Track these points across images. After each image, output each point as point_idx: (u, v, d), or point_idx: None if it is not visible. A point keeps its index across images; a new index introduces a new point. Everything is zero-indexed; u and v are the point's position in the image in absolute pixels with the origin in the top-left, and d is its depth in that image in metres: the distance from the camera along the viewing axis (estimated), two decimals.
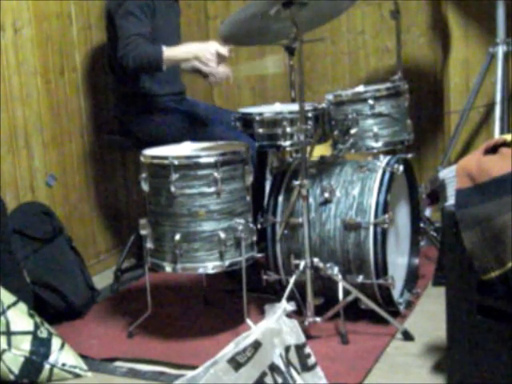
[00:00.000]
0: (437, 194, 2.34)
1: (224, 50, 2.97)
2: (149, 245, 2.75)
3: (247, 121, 3.00)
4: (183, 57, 3.07)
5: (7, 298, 2.56)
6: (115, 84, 3.34)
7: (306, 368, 2.11)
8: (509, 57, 3.54)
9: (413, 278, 3.08)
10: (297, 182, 2.72)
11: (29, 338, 2.52)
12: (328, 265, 2.73)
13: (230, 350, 2.01)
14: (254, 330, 2.02)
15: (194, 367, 2.18)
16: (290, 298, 2.58)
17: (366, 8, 4.10)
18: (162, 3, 3.27)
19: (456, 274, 2.14)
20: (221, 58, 2.99)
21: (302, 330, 2.12)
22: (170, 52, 3.02)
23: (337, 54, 4.25)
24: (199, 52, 2.98)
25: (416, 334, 2.67)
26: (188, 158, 2.67)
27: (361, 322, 2.80)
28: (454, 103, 3.82)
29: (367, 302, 2.71)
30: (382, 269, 2.73)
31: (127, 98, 3.25)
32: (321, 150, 3.22)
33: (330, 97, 3.06)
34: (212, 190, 2.65)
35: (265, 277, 2.90)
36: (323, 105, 3.04)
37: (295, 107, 2.82)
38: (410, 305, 2.93)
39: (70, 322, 2.99)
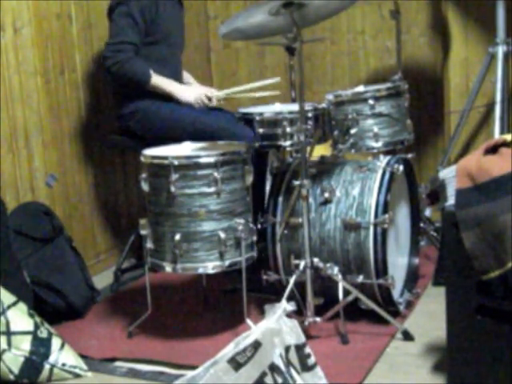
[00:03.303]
0: (437, 194, 2.34)
1: (211, 96, 3.20)
2: (149, 245, 2.75)
3: (247, 121, 3.00)
4: (167, 92, 3.21)
5: (7, 298, 2.56)
6: (116, 83, 3.35)
7: (306, 368, 2.11)
8: (509, 57, 3.54)
9: (413, 277, 3.08)
10: (297, 182, 2.72)
11: (29, 338, 2.52)
12: (328, 265, 2.73)
13: (229, 350, 2.01)
14: (254, 330, 2.02)
15: (194, 367, 2.17)
16: (289, 298, 2.58)
17: (366, 8, 4.10)
18: (166, 2, 3.28)
19: (456, 274, 2.14)
20: (209, 101, 3.21)
21: (302, 330, 2.13)
22: (157, 81, 3.18)
23: (337, 54, 4.25)
24: (183, 97, 3.19)
25: (416, 334, 2.67)
26: (188, 157, 2.67)
27: (361, 322, 2.80)
28: (454, 103, 3.82)
29: (367, 302, 2.71)
30: (382, 269, 2.73)
31: (128, 98, 3.25)
32: (321, 150, 3.23)
33: (330, 97, 3.06)
34: (212, 190, 2.65)
35: (265, 277, 2.90)
36: (323, 105, 3.04)
37: (295, 107, 2.82)
38: (410, 305, 2.93)
39: (69, 321, 2.99)
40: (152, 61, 3.23)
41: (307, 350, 2.11)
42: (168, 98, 3.22)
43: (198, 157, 2.67)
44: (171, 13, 3.33)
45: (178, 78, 3.40)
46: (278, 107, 3.16)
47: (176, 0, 3.41)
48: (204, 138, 2.97)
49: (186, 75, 3.56)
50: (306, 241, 2.70)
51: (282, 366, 2.03)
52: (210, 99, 3.21)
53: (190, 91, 3.24)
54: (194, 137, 2.98)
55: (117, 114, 3.35)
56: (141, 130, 3.25)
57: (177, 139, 2.95)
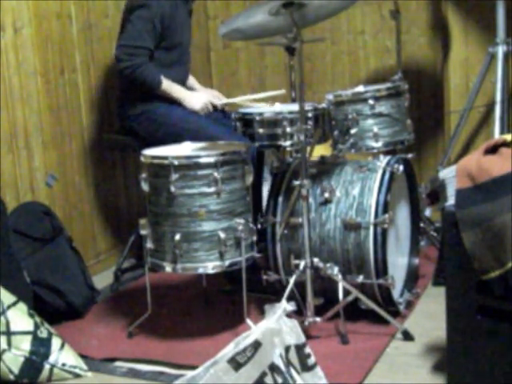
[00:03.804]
0: (437, 194, 2.34)
1: (216, 102, 3.32)
2: (149, 245, 2.75)
3: (247, 121, 3.00)
4: (176, 97, 3.26)
5: (7, 298, 2.56)
6: (123, 83, 3.35)
7: (306, 368, 2.11)
8: (509, 57, 3.54)
9: (413, 277, 3.08)
10: (297, 182, 2.72)
11: (29, 338, 2.52)
12: (328, 265, 2.73)
13: (229, 350, 2.01)
14: (254, 330, 2.02)
15: (194, 367, 2.17)
16: (289, 298, 2.58)
17: (366, 8, 4.10)
18: (182, 10, 3.30)
19: (456, 274, 2.14)
20: (214, 107, 3.32)
21: (302, 330, 2.13)
22: (166, 87, 3.22)
23: (337, 54, 4.25)
24: (190, 104, 3.26)
25: (416, 334, 2.67)
26: (188, 157, 2.67)
27: (361, 322, 2.80)
28: (454, 103, 3.82)
29: (367, 302, 2.71)
30: (382, 269, 2.73)
31: (135, 99, 3.25)
32: (321, 150, 3.22)
33: (330, 97, 3.06)
34: (212, 190, 2.65)
35: (265, 277, 2.90)
36: (323, 105, 3.04)
37: (295, 107, 2.82)
38: (410, 305, 2.93)
39: (69, 321, 2.99)
40: (163, 65, 3.26)
41: (307, 350, 2.11)
42: (175, 102, 3.25)
43: (198, 157, 2.67)
44: (184, 20, 3.36)
45: (185, 83, 3.43)
46: (278, 107, 3.16)
47: (189, 10, 3.43)
48: None
49: (191, 80, 3.58)
50: (306, 241, 2.70)
51: (282, 366, 2.03)
52: (215, 106, 3.30)
53: (196, 99, 3.29)
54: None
55: (121, 115, 3.35)
56: (144, 132, 3.25)
57: (176, 143, 2.96)
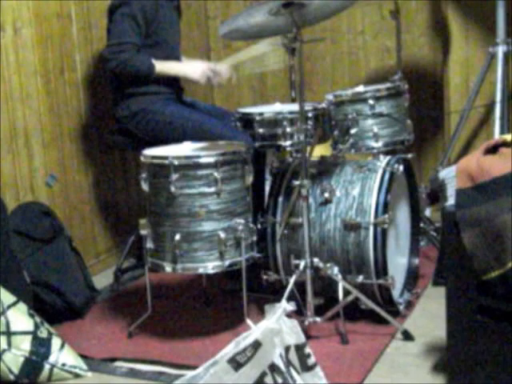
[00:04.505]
0: (437, 194, 2.34)
1: (215, 68, 3.23)
2: (149, 245, 2.75)
3: (247, 121, 3.00)
4: (173, 74, 3.25)
5: (7, 297, 2.56)
6: (114, 83, 3.34)
7: (305, 368, 2.11)
8: (509, 57, 3.55)
9: (413, 277, 3.08)
10: (297, 182, 2.72)
11: (29, 337, 2.52)
12: (328, 265, 2.73)
13: (229, 350, 2.01)
14: (254, 330, 2.02)
15: (194, 367, 2.17)
16: (289, 298, 2.58)
17: (366, 8, 4.10)
18: (165, 7, 3.29)
19: (456, 274, 2.15)
20: (215, 73, 3.23)
21: (302, 330, 2.13)
22: (161, 68, 3.19)
23: (337, 54, 4.26)
24: (189, 74, 3.23)
25: (416, 334, 2.67)
26: (188, 157, 2.67)
27: (361, 322, 2.80)
28: (454, 103, 3.82)
29: (367, 302, 2.71)
30: (382, 269, 2.73)
31: (126, 98, 3.25)
32: (321, 150, 3.23)
33: (330, 97, 3.06)
34: (212, 190, 2.65)
35: (265, 277, 2.90)
36: (323, 105, 3.04)
37: (295, 107, 2.82)
38: (410, 305, 2.93)
39: (70, 321, 2.99)
40: None
41: (307, 350, 2.11)
42: (168, 99, 3.24)
43: (198, 157, 2.67)
44: (170, 17, 3.34)
45: (177, 80, 3.40)
46: (278, 107, 3.16)
47: (175, 6, 3.42)
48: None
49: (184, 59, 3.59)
50: (306, 241, 2.70)
51: (282, 366, 2.03)
52: (215, 72, 3.24)
53: (193, 68, 3.24)
54: (192, 140, 2.98)
55: (116, 117, 3.34)
56: (140, 132, 3.24)
57: (175, 141, 2.95)
